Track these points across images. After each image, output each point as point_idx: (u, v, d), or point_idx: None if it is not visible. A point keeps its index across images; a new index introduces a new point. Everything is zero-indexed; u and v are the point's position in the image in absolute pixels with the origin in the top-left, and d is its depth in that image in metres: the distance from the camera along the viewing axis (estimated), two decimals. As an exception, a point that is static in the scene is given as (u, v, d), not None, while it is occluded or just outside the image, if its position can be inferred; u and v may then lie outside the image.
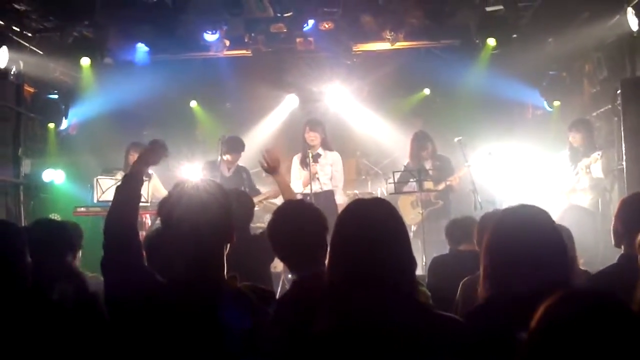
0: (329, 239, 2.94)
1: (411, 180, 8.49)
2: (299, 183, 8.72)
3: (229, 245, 2.56)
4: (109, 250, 2.56)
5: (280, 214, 3.23)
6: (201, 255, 2.45)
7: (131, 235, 2.58)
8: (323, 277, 2.42)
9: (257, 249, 4.59)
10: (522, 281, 2.29)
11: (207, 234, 2.45)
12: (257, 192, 8.66)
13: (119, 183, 2.69)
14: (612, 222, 3.77)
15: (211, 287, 2.42)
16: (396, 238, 2.31)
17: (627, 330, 1.53)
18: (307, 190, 8.44)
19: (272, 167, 4.92)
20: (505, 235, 2.46)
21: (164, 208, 2.55)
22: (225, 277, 2.50)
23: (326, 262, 2.39)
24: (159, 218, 7.67)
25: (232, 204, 2.61)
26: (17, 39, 8.59)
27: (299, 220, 3.06)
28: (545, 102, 10.24)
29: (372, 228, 2.29)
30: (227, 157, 8.70)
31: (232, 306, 2.38)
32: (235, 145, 8.79)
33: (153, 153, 2.86)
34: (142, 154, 2.86)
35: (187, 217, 2.45)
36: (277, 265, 7.08)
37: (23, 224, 8.83)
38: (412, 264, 2.34)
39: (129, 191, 2.67)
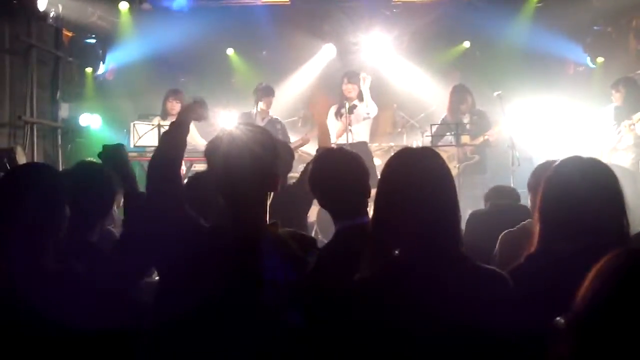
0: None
1: (448, 133, 8.38)
2: (333, 133, 8.70)
3: (271, 195, 2.55)
4: (152, 194, 2.58)
5: (321, 160, 3.17)
6: (244, 200, 2.44)
7: (174, 180, 2.58)
8: (366, 228, 2.41)
9: (294, 198, 4.62)
10: (572, 239, 2.24)
11: (252, 180, 2.43)
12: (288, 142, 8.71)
13: (163, 126, 2.70)
14: None
15: (253, 233, 2.41)
16: (444, 189, 2.28)
17: None
18: (342, 141, 8.41)
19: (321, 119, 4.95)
20: (557, 190, 2.40)
21: (211, 151, 2.54)
22: (266, 223, 2.49)
23: (370, 210, 2.37)
24: (193, 165, 7.70)
25: (277, 151, 2.59)
26: (57, -18, 8.59)
27: (340, 167, 3.00)
28: (588, 58, 10.01)
29: (421, 177, 2.26)
30: (260, 103, 8.70)
31: (273, 255, 2.38)
32: (267, 90, 8.80)
33: (199, 109, 2.85)
34: (189, 106, 2.86)
35: (233, 162, 2.43)
36: (310, 215, 7.12)
37: (60, 167, 8.96)
38: (457, 213, 2.31)
39: (175, 137, 2.67)
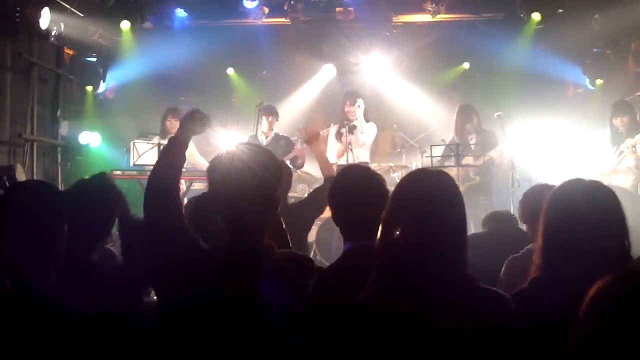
0: None
1: (451, 154, 8.38)
2: (333, 154, 8.70)
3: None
4: (150, 211, 2.54)
5: (344, 176, 3.15)
6: (244, 221, 2.42)
7: (173, 197, 2.55)
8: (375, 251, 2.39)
9: (295, 218, 4.60)
10: (575, 263, 2.23)
11: (251, 201, 2.41)
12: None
13: (163, 145, 2.68)
14: None
15: (253, 256, 2.39)
16: (455, 210, 2.29)
17: None
18: (342, 162, 8.41)
19: (310, 139, 4.95)
20: (560, 214, 2.40)
21: (212, 172, 2.52)
22: (265, 246, 2.47)
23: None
24: (193, 184, 7.67)
25: (281, 173, 2.57)
26: (59, 0, 8.62)
27: (363, 184, 2.97)
28: (587, 80, 10.04)
29: (434, 198, 2.27)
30: (269, 119, 8.75)
31: (272, 279, 2.36)
32: (271, 108, 8.84)
33: (197, 121, 2.80)
34: (186, 121, 2.79)
35: (233, 182, 2.41)
36: (309, 235, 7.11)
37: (60, 186, 8.95)
38: (465, 237, 2.32)
39: (173, 153, 2.64)
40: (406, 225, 2.25)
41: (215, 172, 2.49)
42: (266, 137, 8.82)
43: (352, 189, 2.98)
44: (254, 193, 2.41)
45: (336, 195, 3.04)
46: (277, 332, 2.31)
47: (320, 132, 8.44)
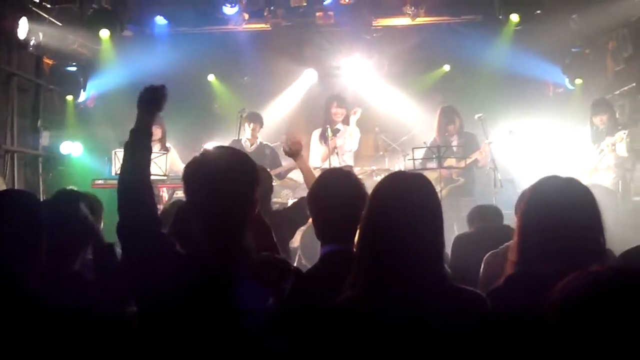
0: None
1: (433, 157, 8.40)
2: (317, 158, 8.69)
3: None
4: (125, 212, 2.44)
5: (324, 180, 3.15)
6: (221, 224, 2.39)
7: (146, 194, 2.46)
8: (352, 254, 2.39)
9: (277, 224, 4.59)
10: (550, 261, 2.25)
11: (229, 203, 2.38)
12: (279, 165, 8.70)
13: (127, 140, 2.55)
14: None
15: (230, 260, 2.37)
16: (431, 212, 2.31)
17: None
18: (326, 165, 8.41)
19: (293, 151, 4.91)
20: (536, 210, 2.41)
21: (187, 174, 2.49)
22: (243, 248, 2.45)
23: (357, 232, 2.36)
24: (176, 192, 7.66)
25: (257, 175, 2.55)
26: (37, 10, 8.58)
27: (343, 188, 2.97)
28: (567, 80, 10.10)
29: (411, 201, 2.28)
30: (251, 126, 8.73)
31: (248, 282, 2.34)
32: (256, 115, 8.82)
33: (153, 99, 2.66)
34: (141, 104, 2.64)
35: (210, 184, 2.39)
36: (293, 241, 7.09)
37: (42, 196, 8.89)
38: (442, 238, 2.33)
39: (138, 145, 2.53)
40: (383, 227, 2.27)
41: (192, 176, 2.46)
42: (251, 145, 8.80)
43: (332, 193, 2.98)
44: (230, 194, 2.39)
45: (316, 199, 3.04)
46: (253, 336, 2.30)
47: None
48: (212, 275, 2.32)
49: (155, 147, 8.42)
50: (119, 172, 7.82)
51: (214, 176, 2.39)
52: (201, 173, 2.42)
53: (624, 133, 7.64)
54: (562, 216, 2.34)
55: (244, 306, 2.29)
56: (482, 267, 3.79)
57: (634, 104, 8.54)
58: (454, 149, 8.55)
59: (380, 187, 2.39)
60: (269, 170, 7.08)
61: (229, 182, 2.39)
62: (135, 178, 2.48)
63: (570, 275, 1.64)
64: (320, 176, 3.26)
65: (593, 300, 1.50)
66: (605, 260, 2.41)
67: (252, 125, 8.79)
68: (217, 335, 2.28)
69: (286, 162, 8.95)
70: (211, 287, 2.30)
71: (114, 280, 2.84)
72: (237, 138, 8.84)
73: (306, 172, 4.93)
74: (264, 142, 9.00)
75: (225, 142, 8.73)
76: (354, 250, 2.38)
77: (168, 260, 2.36)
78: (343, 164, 8.44)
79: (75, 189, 8.08)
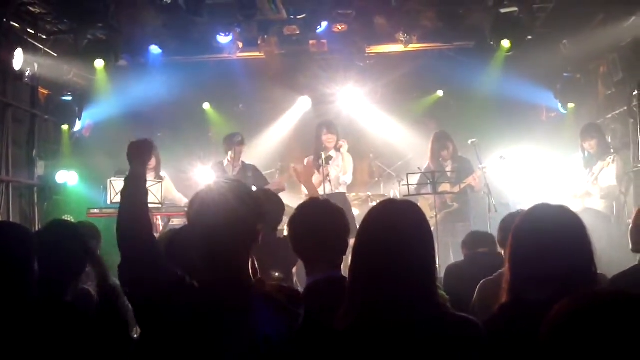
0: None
1: (427, 182, 8.41)
2: (310, 185, 8.69)
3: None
4: (126, 253, 2.45)
5: (304, 209, 3.15)
6: (228, 257, 2.41)
7: (145, 234, 2.48)
8: (339, 282, 2.40)
9: (282, 249, 4.60)
10: (543, 288, 2.25)
11: (234, 236, 2.41)
12: (267, 184, 8.69)
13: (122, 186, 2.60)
14: (630, 226, 3.75)
15: (241, 290, 2.38)
16: (422, 240, 2.32)
17: None
18: (320, 191, 8.42)
19: (304, 175, 4.95)
20: (527, 237, 2.42)
21: (192, 209, 2.51)
22: (252, 279, 2.47)
23: (350, 259, 2.36)
24: (171, 220, 7.66)
25: (261, 206, 2.57)
26: (32, 41, 8.66)
27: (322, 219, 2.98)
28: (559, 104, 10.18)
29: (400, 228, 2.29)
30: (230, 153, 8.71)
31: (264, 310, 2.35)
32: (231, 140, 8.82)
33: (140, 151, 2.71)
34: (131, 157, 2.70)
35: (213, 218, 2.41)
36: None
37: (37, 226, 8.88)
38: (434, 265, 2.35)
39: (134, 191, 2.57)
40: (375, 255, 2.27)
41: (195, 209, 2.49)
42: (233, 169, 8.78)
43: (312, 224, 2.99)
44: (236, 228, 2.42)
45: (295, 230, 3.05)
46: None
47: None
48: (228, 305, 2.32)
49: (150, 176, 8.44)
50: (114, 201, 7.80)
51: (217, 211, 2.41)
52: (203, 209, 2.44)
53: (611, 158, 7.68)
54: (552, 244, 2.35)
55: (262, 333, 2.29)
56: (476, 293, 3.80)
57: (624, 128, 8.60)
58: (448, 174, 8.58)
59: (371, 215, 2.41)
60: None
61: (231, 215, 2.41)
62: (132, 220, 2.50)
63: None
64: (298, 207, 3.23)
65: (583, 322, 1.52)
66: (597, 285, 2.41)
67: (234, 149, 8.75)
68: None
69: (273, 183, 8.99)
70: (228, 316, 2.31)
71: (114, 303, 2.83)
72: (219, 161, 8.86)
73: (312, 194, 4.99)
74: (247, 163, 8.97)
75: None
76: (339, 280, 2.39)
77: (177, 293, 2.36)
78: (336, 191, 8.45)
79: (71, 218, 8.12)
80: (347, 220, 3.03)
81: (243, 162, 8.92)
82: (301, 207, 3.22)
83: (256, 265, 2.89)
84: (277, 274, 4.32)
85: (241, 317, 2.33)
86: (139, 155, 2.69)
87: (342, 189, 8.72)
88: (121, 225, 2.50)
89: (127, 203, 2.55)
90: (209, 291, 2.37)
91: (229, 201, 2.44)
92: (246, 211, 2.48)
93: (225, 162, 8.77)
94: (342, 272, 2.94)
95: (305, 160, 8.73)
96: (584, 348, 1.48)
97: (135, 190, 2.58)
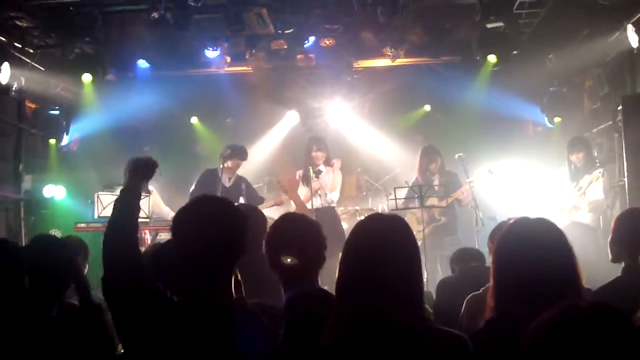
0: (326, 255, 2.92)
1: (415, 196, 8.42)
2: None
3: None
4: (110, 267, 2.47)
5: (279, 225, 3.13)
6: (213, 272, 2.42)
7: (133, 250, 2.50)
8: (319, 294, 2.39)
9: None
10: (527, 302, 2.26)
11: (218, 253, 2.42)
12: (260, 200, 8.66)
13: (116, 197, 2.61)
14: (610, 237, 3.78)
15: (221, 307, 2.39)
16: (408, 254, 2.32)
17: (625, 342, 1.51)
18: (309, 206, 8.42)
19: (289, 186, 4.95)
20: (509, 252, 2.43)
21: (177, 224, 2.51)
22: (234, 295, 2.47)
23: (336, 273, 2.36)
24: (159, 234, 7.63)
25: (246, 222, 2.57)
26: (19, 55, 8.63)
27: (298, 233, 2.97)
28: (546, 119, 10.23)
29: (386, 243, 2.30)
30: (228, 164, 8.67)
31: (245, 328, 2.35)
32: (237, 152, 8.76)
33: (143, 169, 2.77)
34: (131, 172, 2.74)
35: (199, 234, 2.41)
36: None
37: (23, 240, 8.83)
38: (421, 280, 2.36)
39: (127, 205, 2.59)
40: (362, 270, 2.28)
41: (180, 224, 2.48)
42: (229, 180, 8.76)
43: (285, 238, 2.98)
44: (222, 241, 2.42)
45: (271, 244, 3.03)
46: None
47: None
48: (208, 321, 2.33)
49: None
50: (101, 215, 7.75)
51: (205, 225, 2.41)
52: (191, 221, 2.44)
53: (600, 172, 7.74)
54: (534, 257, 2.36)
55: (242, 350, 2.29)
56: (463, 308, 3.80)
57: (610, 142, 8.66)
58: (436, 188, 8.61)
59: (358, 230, 2.41)
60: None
61: (220, 231, 2.41)
62: (122, 236, 2.51)
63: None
64: (275, 221, 3.22)
65: (559, 334, 1.53)
66: (581, 298, 2.42)
67: (231, 163, 8.72)
68: None
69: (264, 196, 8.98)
70: (209, 332, 2.31)
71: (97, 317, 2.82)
72: (212, 168, 8.82)
73: (299, 206, 4.99)
74: (240, 175, 8.96)
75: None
76: (319, 288, 2.38)
77: (161, 310, 2.36)
78: (326, 205, 8.45)
79: (58, 232, 8.07)
80: (323, 234, 3.02)
81: (237, 174, 8.92)
82: (276, 223, 3.19)
83: (240, 281, 2.89)
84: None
85: (222, 333, 2.33)
86: (141, 172, 2.74)
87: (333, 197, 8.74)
88: (108, 237, 2.51)
89: (118, 216, 2.56)
90: (189, 307, 2.37)
91: (215, 216, 2.44)
92: (232, 226, 2.48)
93: (219, 170, 8.71)
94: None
95: (297, 174, 8.73)
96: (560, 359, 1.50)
97: (128, 205, 2.59)
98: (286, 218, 3.28)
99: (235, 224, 2.51)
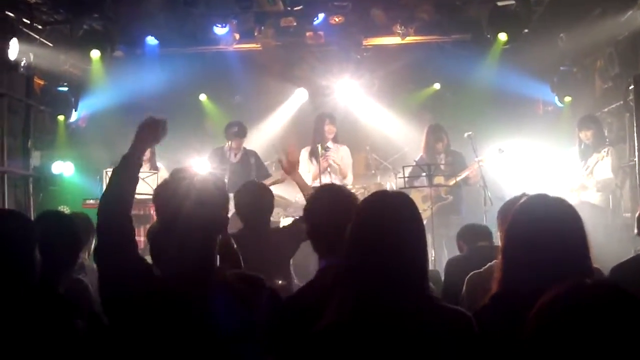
0: None
1: (422, 174, 8.41)
2: (308, 176, 8.69)
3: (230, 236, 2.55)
4: (103, 234, 2.50)
5: (319, 194, 3.24)
6: (194, 248, 2.43)
7: (126, 220, 2.51)
8: None
9: (278, 241, 4.60)
10: (536, 280, 2.25)
11: (200, 227, 2.42)
12: (267, 175, 8.68)
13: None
14: (638, 213, 3.79)
15: (202, 279, 2.41)
16: (414, 232, 2.32)
17: (631, 320, 1.50)
18: (317, 184, 8.41)
19: (290, 166, 4.96)
20: (522, 228, 2.41)
21: (159, 199, 2.52)
22: (216, 267, 2.49)
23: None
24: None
25: (226, 196, 2.57)
26: (28, 31, 8.61)
27: (336, 204, 3.03)
28: (556, 98, 10.16)
29: (392, 220, 2.30)
30: (230, 143, 8.71)
31: (221, 299, 2.36)
32: (237, 132, 8.77)
33: (152, 131, 2.73)
34: (139, 132, 2.70)
35: (182, 209, 2.42)
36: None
37: (32, 216, 8.86)
38: (426, 258, 2.35)
39: (125, 173, 2.58)
40: (367, 247, 2.28)
41: (162, 198, 2.49)
42: (235, 156, 8.78)
43: (328, 208, 3.04)
44: (203, 216, 2.43)
45: (312, 214, 3.08)
46: (231, 349, 2.32)
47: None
48: (185, 295, 2.35)
49: (146, 167, 8.44)
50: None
51: (183, 198, 2.42)
52: (171, 195, 2.45)
53: (606, 151, 7.68)
54: (548, 235, 2.34)
55: (219, 322, 2.31)
56: (464, 286, 3.80)
57: (620, 121, 8.60)
58: (442, 167, 8.59)
59: (364, 206, 2.41)
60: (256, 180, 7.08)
61: (198, 204, 2.42)
62: (117, 207, 2.52)
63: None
64: (314, 192, 3.36)
65: (569, 311, 1.53)
66: (592, 278, 2.41)
67: (234, 142, 8.73)
68: (194, 352, 2.30)
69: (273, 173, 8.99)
70: (185, 306, 2.33)
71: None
72: (219, 146, 8.85)
73: (302, 185, 4.98)
74: (249, 149, 8.96)
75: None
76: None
77: (143, 282, 2.40)
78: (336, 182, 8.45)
79: (66, 209, 8.10)
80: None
81: (244, 148, 8.91)
82: (318, 192, 3.33)
83: (237, 253, 2.91)
84: (280, 282, 4.36)
85: (198, 307, 2.35)
86: (146, 136, 2.69)
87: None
88: (103, 205, 2.52)
89: (116, 183, 2.56)
90: (169, 282, 2.39)
91: (196, 189, 2.44)
92: (214, 199, 2.48)
93: (226, 147, 8.74)
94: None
95: (302, 152, 8.72)
96: (566, 337, 1.49)
97: (126, 173, 2.58)
98: (326, 189, 3.33)
99: (215, 199, 2.50)
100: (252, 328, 2.37)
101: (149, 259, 2.99)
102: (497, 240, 4.47)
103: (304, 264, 8.23)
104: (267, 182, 8.43)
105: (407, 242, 2.28)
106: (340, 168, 8.63)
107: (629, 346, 1.46)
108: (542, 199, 2.53)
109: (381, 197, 2.50)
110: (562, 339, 1.51)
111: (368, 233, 2.31)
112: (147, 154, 8.35)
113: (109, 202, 2.54)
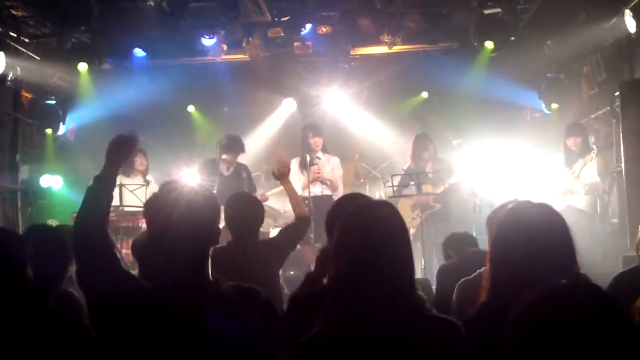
0: None
1: (411, 183, 8.43)
2: (298, 186, 8.67)
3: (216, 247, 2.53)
4: (82, 258, 2.47)
5: (345, 202, 3.16)
6: (186, 259, 2.41)
7: (103, 240, 2.49)
8: None
9: (267, 253, 4.59)
10: (523, 288, 2.25)
11: (192, 238, 2.41)
12: (254, 190, 8.65)
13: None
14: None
15: (196, 291, 2.40)
16: (399, 241, 2.31)
17: (607, 321, 1.50)
18: (306, 194, 8.41)
19: (281, 173, 4.98)
20: (509, 236, 2.41)
21: (150, 211, 2.51)
22: (210, 279, 2.47)
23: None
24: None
25: (218, 208, 2.57)
26: (15, 44, 8.59)
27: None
28: (543, 105, 10.22)
29: (376, 230, 2.29)
30: (224, 156, 8.66)
31: (216, 311, 2.35)
32: (233, 146, 8.72)
33: (122, 149, 2.70)
34: (109, 153, 2.67)
35: (173, 221, 2.40)
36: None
37: (20, 230, 8.81)
38: (412, 267, 2.34)
39: (98, 193, 2.55)
40: (353, 258, 2.28)
41: (152, 209, 2.47)
42: (227, 169, 8.74)
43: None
44: (194, 227, 2.41)
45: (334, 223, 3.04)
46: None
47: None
48: (179, 308, 2.33)
49: (137, 179, 8.41)
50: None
51: (172, 209, 2.40)
52: (160, 206, 2.43)
53: (593, 153, 7.76)
54: (534, 242, 2.33)
55: (214, 333, 2.29)
56: (454, 293, 3.80)
57: (608, 128, 8.65)
58: (429, 175, 8.62)
59: (349, 217, 2.40)
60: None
61: (187, 214, 2.40)
62: (93, 225, 2.49)
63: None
64: (339, 199, 3.33)
65: (543, 317, 1.54)
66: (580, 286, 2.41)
67: (228, 156, 8.69)
68: None
69: (262, 191, 8.96)
70: (180, 318, 2.31)
71: None
72: (211, 158, 8.80)
73: (292, 194, 4.98)
74: (241, 163, 8.93)
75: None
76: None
77: (132, 297, 2.37)
78: (326, 194, 8.46)
79: (55, 222, 8.05)
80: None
81: (237, 162, 8.88)
82: (341, 199, 3.30)
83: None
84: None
85: (193, 318, 2.33)
86: (117, 155, 2.67)
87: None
88: (79, 225, 2.49)
89: (90, 204, 2.52)
90: (165, 294, 2.37)
91: (186, 200, 2.43)
92: (207, 211, 2.47)
93: (217, 159, 8.69)
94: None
95: (292, 161, 8.70)
96: (542, 343, 1.50)
97: (100, 194, 2.56)
98: (351, 196, 3.34)
99: (208, 208, 2.49)
100: (247, 340, 2.36)
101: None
102: (486, 246, 4.48)
103: (296, 276, 8.29)
104: (269, 193, 8.44)
105: (390, 250, 2.27)
106: (332, 182, 8.61)
107: (605, 345, 1.47)
108: (527, 206, 2.52)
109: (363, 207, 2.49)
110: (538, 345, 1.51)
111: (355, 244, 2.30)
112: (144, 163, 8.38)
113: (84, 222, 2.50)
